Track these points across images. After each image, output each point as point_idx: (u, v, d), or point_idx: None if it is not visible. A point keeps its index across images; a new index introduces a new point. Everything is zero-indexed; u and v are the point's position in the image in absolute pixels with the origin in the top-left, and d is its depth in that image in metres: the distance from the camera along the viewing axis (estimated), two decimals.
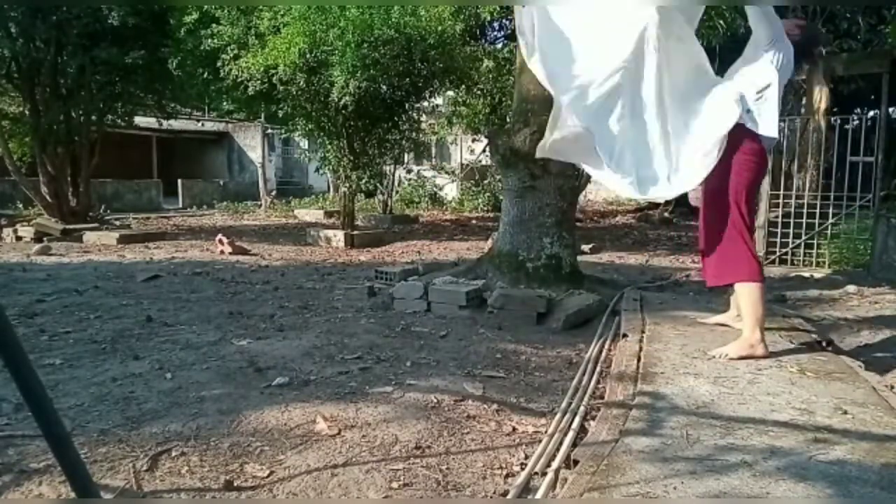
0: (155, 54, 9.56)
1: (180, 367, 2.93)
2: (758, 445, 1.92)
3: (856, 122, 8.10)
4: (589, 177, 4.91)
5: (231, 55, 8.18)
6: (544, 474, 1.89)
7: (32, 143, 9.99)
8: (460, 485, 1.88)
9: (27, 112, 9.86)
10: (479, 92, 10.96)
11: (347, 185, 9.63)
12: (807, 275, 6.15)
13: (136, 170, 19.05)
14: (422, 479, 1.90)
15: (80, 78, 9.71)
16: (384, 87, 8.62)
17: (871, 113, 7.94)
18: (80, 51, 9.18)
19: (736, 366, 2.75)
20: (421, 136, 12.65)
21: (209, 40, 8.22)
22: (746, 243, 2.91)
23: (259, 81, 8.04)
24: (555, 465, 1.93)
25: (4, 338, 0.95)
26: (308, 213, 14.50)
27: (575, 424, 2.25)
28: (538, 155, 3.34)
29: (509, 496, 1.79)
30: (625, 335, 3.31)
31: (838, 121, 7.97)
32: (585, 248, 7.90)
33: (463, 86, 10.23)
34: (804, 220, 7.00)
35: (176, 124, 16.65)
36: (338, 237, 8.93)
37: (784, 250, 7.11)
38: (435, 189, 17.20)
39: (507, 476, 1.94)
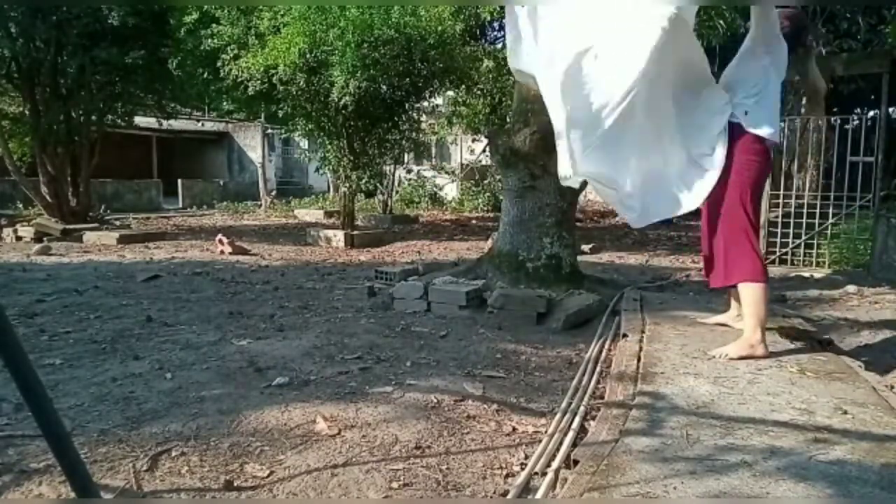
0: (155, 54, 9.56)
1: (180, 367, 2.93)
2: (758, 445, 1.92)
3: (856, 122, 8.10)
4: None
5: (231, 55, 8.18)
6: (544, 474, 1.89)
7: (32, 143, 9.99)
8: (460, 485, 1.88)
9: (27, 112, 9.86)
10: (479, 92, 10.96)
11: (347, 185, 9.63)
12: (807, 275, 6.15)
13: (136, 170, 19.06)
14: (422, 479, 1.90)
15: (80, 78, 9.71)
16: (384, 87, 8.62)
17: (871, 113, 7.95)
18: (80, 51, 9.17)
19: (736, 366, 2.75)
20: (421, 136, 12.65)
21: (209, 40, 8.22)
22: (751, 243, 2.91)
23: (259, 81, 8.04)
24: (555, 465, 1.93)
25: (4, 338, 0.95)
26: (308, 213, 14.50)
27: (575, 424, 2.25)
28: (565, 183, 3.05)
29: (509, 496, 1.79)
30: (625, 335, 3.31)
31: (838, 121, 7.98)
32: (585, 248, 7.90)
33: (463, 86, 10.22)
34: (804, 220, 7.00)
35: (176, 124, 16.65)
36: (338, 237, 8.93)
37: (784, 250, 7.12)
38: (435, 189, 17.20)
39: (507, 476, 1.94)
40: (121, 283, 5.40)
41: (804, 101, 8.34)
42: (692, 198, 3.02)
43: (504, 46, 11.07)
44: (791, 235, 7.07)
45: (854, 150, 7.02)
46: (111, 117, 11.08)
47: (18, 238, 8.87)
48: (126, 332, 3.62)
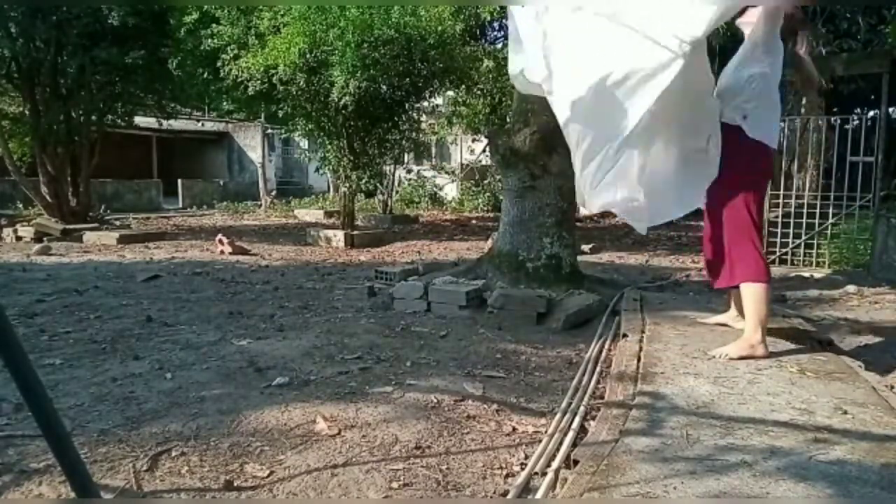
0: (155, 54, 9.56)
1: (180, 367, 2.93)
2: (758, 445, 1.92)
3: (856, 122, 8.10)
4: None
5: (231, 55, 8.18)
6: (544, 474, 1.89)
7: (32, 143, 9.99)
8: (460, 485, 1.88)
9: (27, 112, 9.86)
10: (479, 92, 10.97)
11: (347, 185, 9.63)
12: (807, 275, 6.15)
13: (136, 170, 19.06)
14: (422, 479, 1.90)
15: (80, 78, 9.71)
16: (384, 87, 8.62)
17: (871, 113, 7.94)
18: (80, 51, 9.18)
19: (736, 366, 2.75)
20: (421, 136, 12.66)
21: (209, 40, 8.22)
22: (754, 243, 2.91)
23: (259, 81, 8.05)
24: (555, 465, 1.93)
25: (4, 338, 0.95)
26: (308, 213, 14.50)
27: (575, 424, 2.25)
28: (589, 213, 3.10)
29: (509, 496, 1.79)
30: (625, 335, 3.31)
31: (838, 121, 7.97)
32: (585, 248, 7.90)
33: (463, 86, 10.23)
34: (804, 220, 7.00)
35: (176, 124, 16.65)
36: (338, 237, 8.93)
37: (784, 250, 7.12)
38: (435, 189, 17.21)
39: (507, 476, 1.94)
40: (121, 283, 5.40)
41: (804, 101, 8.34)
42: (694, 197, 3.04)
43: (504, 46, 11.08)
44: (791, 235, 7.07)
45: (854, 150, 7.02)
46: (111, 117, 11.08)
47: (18, 238, 8.87)
48: (126, 332, 3.62)
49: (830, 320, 4.21)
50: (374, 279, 5.35)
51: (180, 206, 18.05)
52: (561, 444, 2.10)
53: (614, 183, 2.77)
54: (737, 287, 3.01)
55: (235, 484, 1.84)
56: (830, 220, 6.92)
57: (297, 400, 2.51)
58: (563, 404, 2.50)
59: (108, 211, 13.19)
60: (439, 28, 7.92)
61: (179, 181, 18.69)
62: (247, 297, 4.81)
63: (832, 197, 6.94)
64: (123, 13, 8.84)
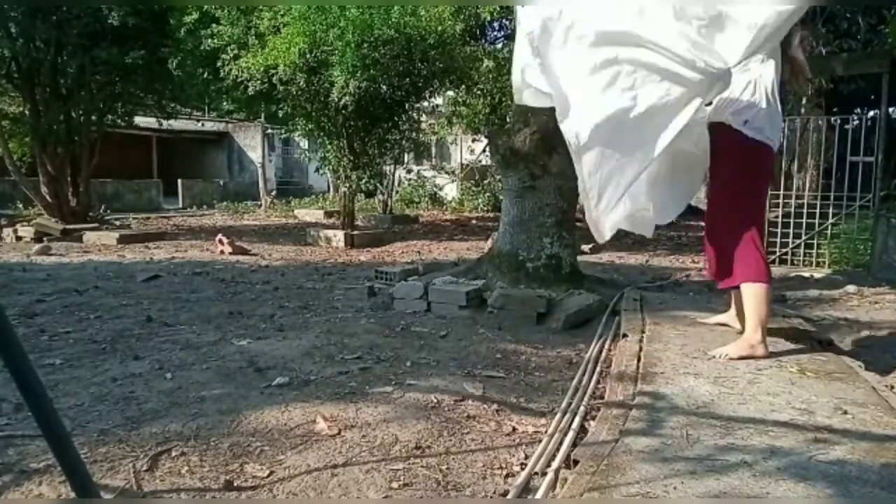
0: (155, 54, 9.56)
1: (180, 367, 2.93)
2: (758, 445, 1.92)
3: (856, 122, 8.10)
4: None
5: (231, 55, 8.18)
6: (544, 474, 1.89)
7: (32, 143, 10.00)
8: (460, 485, 1.88)
9: (27, 112, 9.86)
10: (479, 92, 10.97)
11: (347, 185, 9.63)
12: (807, 275, 6.15)
13: (136, 170, 19.07)
14: (422, 479, 1.90)
15: (80, 78, 9.71)
16: (384, 87, 8.62)
17: (871, 113, 7.94)
18: (80, 51, 9.18)
19: (736, 366, 2.75)
20: (421, 136, 12.65)
21: (209, 40, 8.22)
22: (755, 243, 2.91)
23: (259, 81, 8.05)
24: (555, 465, 1.93)
25: (4, 338, 0.95)
26: (308, 213, 14.50)
27: (575, 424, 2.25)
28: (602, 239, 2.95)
29: (509, 496, 1.79)
30: (625, 335, 3.31)
31: (838, 121, 7.97)
32: (585, 248, 7.90)
33: (463, 86, 10.23)
34: (804, 220, 7.00)
35: (176, 124, 16.66)
36: (338, 237, 8.93)
37: (784, 250, 7.12)
38: (435, 189, 17.20)
39: (507, 476, 1.94)
40: (121, 283, 5.40)
41: (804, 101, 8.33)
42: (688, 194, 3.07)
43: (504, 46, 11.08)
44: (791, 235, 7.07)
45: (854, 150, 7.02)
46: (111, 117, 11.08)
47: (18, 238, 8.87)
48: (126, 332, 3.62)
49: (830, 320, 4.21)
50: (374, 279, 5.35)
51: (180, 206, 18.05)
52: (561, 444, 2.10)
53: (623, 201, 2.76)
54: (737, 287, 3.01)
55: (235, 484, 1.84)
56: (830, 220, 6.92)
57: (297, 400, 2.51)
58: (563, 404, 2.50)
59: (108, 211, 13.19)
60: (439, 28, 7.92)
61: (179, 181, 18.69)
62: (247, 297, 4.81)
63: (832, 197, 6.94)
64: (123, 13, 8.84)
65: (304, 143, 12.90)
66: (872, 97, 9.47)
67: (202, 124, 20.87)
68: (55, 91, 9.84)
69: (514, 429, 2.30)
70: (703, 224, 3.26)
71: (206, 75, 9.18)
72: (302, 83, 8.15)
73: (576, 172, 2.66)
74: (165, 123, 13.36)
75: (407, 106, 10.03)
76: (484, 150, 15.92)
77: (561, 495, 1.72)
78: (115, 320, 3.95)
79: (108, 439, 2.12)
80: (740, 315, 3.09)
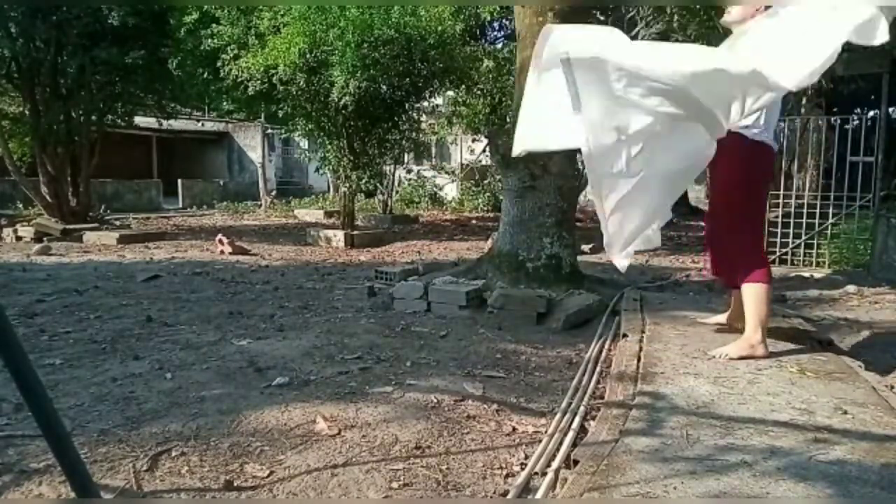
0: (155, 54, 9.57)
1: (180, 367, 2.93)
2: (758, 445, 1.92)
3: (856, 122, 8.10)
4: None
5: (231, 55, 8.19)
6: (544, 474, 1.89)
7: (32, 143, 10.00)
8: (460, 485, 1.88)
9: (27, 112, 9.86)
10: (479, 92, 10.96)
11: (347, 185, 9.63)
12: (807, 275, 6.15)
13: (136, 170, 19.08)
14: (422, 479, 1.90)
15: (80, 78, 9.71)
16: (384, 87, 8.62)
17: (871, 113, 7.94)
18: (80, 51, 9.18)
19: (736, 366, 2.75)
20: (421, 136, 12.66)
21: (209, 40, 8.23)
22: (755, 244, 2.92)
23: (259, 81, 8.05)
24: (555, 465, 1.93)
25: (4, 338, 0.95)
26: (308, 213, 14.50)
27: (575, 424, 2.25)
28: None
29: (509, 496, 1.79)
30: (625, 335, 3.31)
31: (838, 121, 7.98)
32: (585, 248, 7.90)
33: (463, 86, 10.23)
34: (804, 220, 6.99)
35: (176, 124, 16.66)
36: (338, 237, 8.93)
37: (784, 250, 7.11)
38: (435, 189, 17.20)
39: (507, 476, 1.94)
40: (121, 283, 5.40)
41: (804, 101, 8.34)
42: (680, 188, 3.02)
43: (504, 46, 11.09)
44: (791, 235, 7.07)
45: (854, 150, 7.02)
46: (111, 117, 11.08)
47: (18, 238, 8.87)
48: (126, 332, 3.62)
49: (830, 320, 4.20)
50: (374, 279, 5.35)
51: (180, 206, 18.05)
52: (561, 444, 2.10)
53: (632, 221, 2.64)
54: (738, 287, 3.01)
55: (235, 484, 1.84)
56: (830, 220, 6.92)
57: (297, 400, 2.51)
58: (563, 404, 2.50)
59: (108, 211, 13.19)
60: (439, 28, 7.92)
61: (179, 181, 18.69)
62: (247, 297, 4.81)
63: (832, 197, 6.94)
64: (123, 13, 8.85)
65: (304, 143, 12.90)
66: (872, 97, 9.48)
67: (202, 124, 20.88)
68: (55, 91, 9.85)
69: (514, 429, 2.30)
70: (703, 224, 3.26)
71: (206, 75, 9.19)
72: (302, 83, 8.15)
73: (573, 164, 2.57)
74: (165, 123, 13.36)
75: (407, 106, 10.03)
76: (484, 150, 15.92)
77: (561, 495, 1.72)
78: (115, 320, 3.95)
79: (108, 439, 2.12)
80: (740, 315, 3.09)
